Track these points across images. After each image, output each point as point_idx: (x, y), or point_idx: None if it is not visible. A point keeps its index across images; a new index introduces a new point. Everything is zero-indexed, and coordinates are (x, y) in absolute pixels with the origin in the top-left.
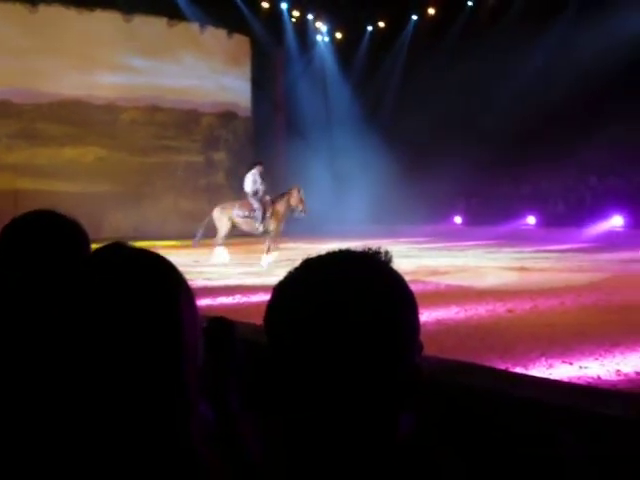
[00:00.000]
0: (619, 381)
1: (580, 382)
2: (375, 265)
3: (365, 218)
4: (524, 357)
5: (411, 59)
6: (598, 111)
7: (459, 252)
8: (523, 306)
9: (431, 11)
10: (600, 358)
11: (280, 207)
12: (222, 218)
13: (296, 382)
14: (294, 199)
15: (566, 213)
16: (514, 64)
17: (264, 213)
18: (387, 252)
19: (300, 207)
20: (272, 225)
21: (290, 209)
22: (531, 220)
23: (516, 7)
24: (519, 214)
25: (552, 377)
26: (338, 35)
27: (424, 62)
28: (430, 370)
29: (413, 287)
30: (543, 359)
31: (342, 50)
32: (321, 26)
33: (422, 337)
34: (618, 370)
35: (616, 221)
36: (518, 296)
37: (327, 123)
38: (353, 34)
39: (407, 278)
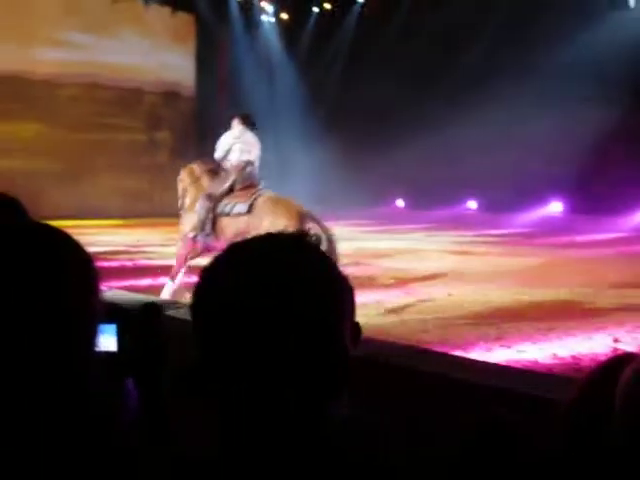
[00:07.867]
0: (554, 365)
1: (518, 365)
2: (303, 247)
3: (308, 200)
4: (463, 340)
5: (357, 41)
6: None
7: (400, 235)
8: (463, 290)
9: None
10: (537, 342)
11: None
12: None
13: (224, 366)
14: None
15: (507, 198)
16: (465, 44)
17: None
18: (316, 235)
19: None
20: None
21: None
22: (472, 204)
23: None
24: (460, 199)
25: (490, 360)
26: (284, 16)
27: (370, 44)
28: (372, 353)
29: (354, 269)
30: (482, 342)
31: (287, 31)
32: (266, 6)
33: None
34: (554, 354)
35: (555, 207)
36: (458, 279)
37: (271, 104)
38: (299, 15)
39: (347, 260)
